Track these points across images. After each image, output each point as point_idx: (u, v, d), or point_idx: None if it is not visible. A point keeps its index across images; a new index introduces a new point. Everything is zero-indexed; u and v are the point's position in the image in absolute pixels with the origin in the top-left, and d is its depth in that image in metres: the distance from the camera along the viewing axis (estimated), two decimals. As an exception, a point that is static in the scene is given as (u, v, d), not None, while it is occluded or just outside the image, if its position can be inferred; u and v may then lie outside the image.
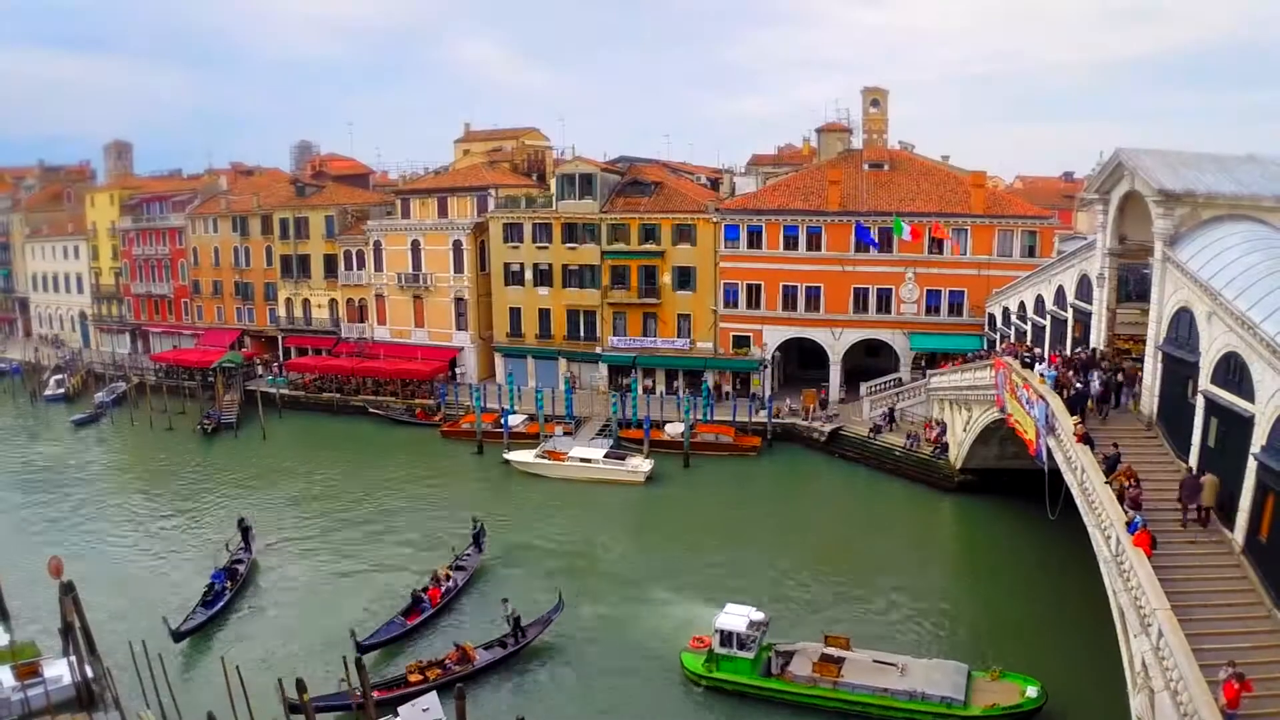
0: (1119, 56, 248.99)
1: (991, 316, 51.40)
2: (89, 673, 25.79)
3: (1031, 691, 24.81)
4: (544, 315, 62.22)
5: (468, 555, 35.91)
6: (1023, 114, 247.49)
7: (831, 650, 26.63)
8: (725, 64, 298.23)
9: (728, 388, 58.10)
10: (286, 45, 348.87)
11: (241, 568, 35.22)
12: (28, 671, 25.72)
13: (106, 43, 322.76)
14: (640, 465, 47.14)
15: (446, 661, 27.38)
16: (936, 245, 53.52)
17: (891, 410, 50.81)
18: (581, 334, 61.46)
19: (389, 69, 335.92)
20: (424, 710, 23.00)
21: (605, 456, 47.60)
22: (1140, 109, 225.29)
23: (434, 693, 23.93)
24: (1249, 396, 21.82)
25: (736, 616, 27.17)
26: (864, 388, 53.56)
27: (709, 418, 53.12)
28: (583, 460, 47.41)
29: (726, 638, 26.52)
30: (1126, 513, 22.09)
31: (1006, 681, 25.58)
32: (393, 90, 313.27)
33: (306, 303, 71.53)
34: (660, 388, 59.37)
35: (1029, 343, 41.25)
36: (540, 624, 29.83)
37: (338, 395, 64.52)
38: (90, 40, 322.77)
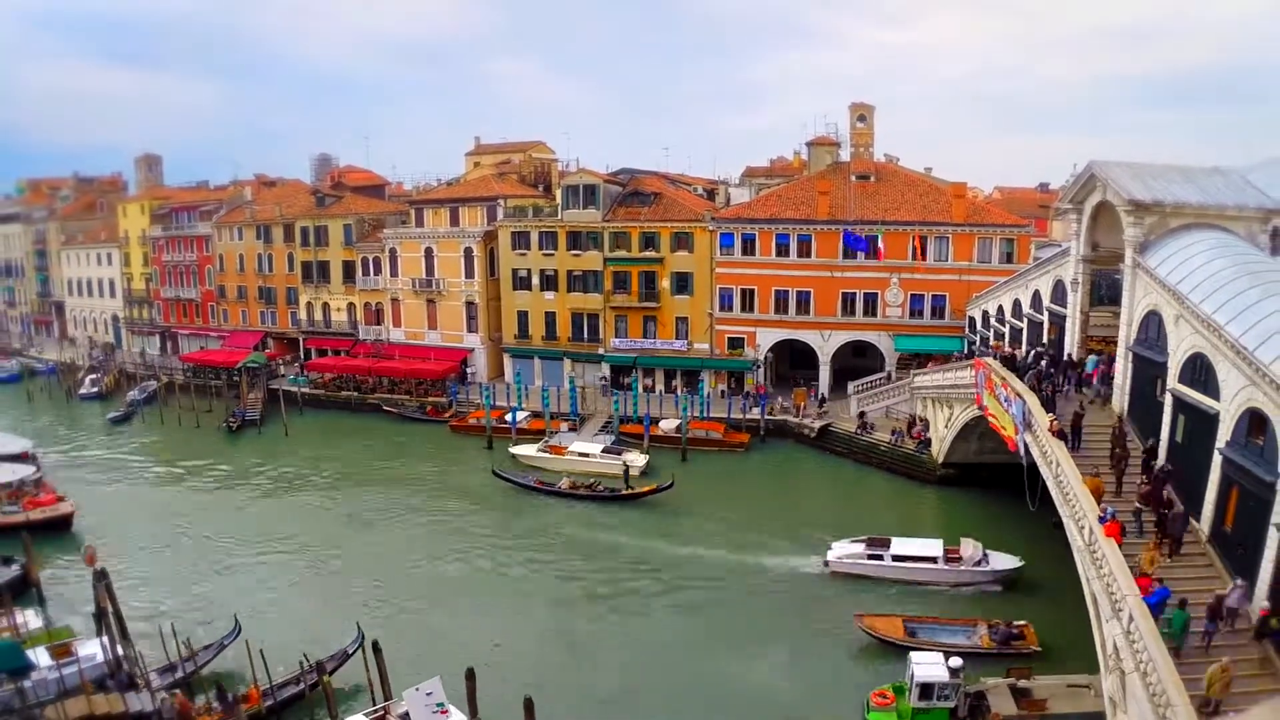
0: (1115, 74, 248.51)
1: (972, 319, 51.35)
2: (121, 654, 25.84)
3: None
4: (550, 318, 62.19)
5: None
6: (1009, 127, 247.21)
7: (1024, 684, 23.82)
8: (739, 81, 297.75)
9: (723, 386, 58.09)
10: (324, 60, 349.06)
11: None
12: (62, 652, 25.82)
13: (150, 57, 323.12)
14: (636, 460, 47.01)
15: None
16: (920, 251, 53.51)
17: (887, 409, 51.06)
18: (585, 336, 61.40)
19: (415, 83, 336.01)
20: (428, 694, 22.61)
21: (604, 451, 47.55)
22: (1126, 124, 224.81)
23: (438, 678, 23.15)
24: (1214, 395, 21.82)
25: (934, 666, 23.55)
26: (851, 386, 53.53)
27: (705, 415, 53.12)
28: (582, 454, 47.35)
29: (927, 690, 23.06)
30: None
31: None
32: (413, 104, 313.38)
33: (326, 306, 71.52)
34: (660, 386, 59.43)
35: (1007, 344, 41.25)
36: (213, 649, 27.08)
37: (355, 393, 64.50)
38: (134, 54, 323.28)
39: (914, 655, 24.41)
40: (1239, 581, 19.09)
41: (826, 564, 33.31)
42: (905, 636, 27.75)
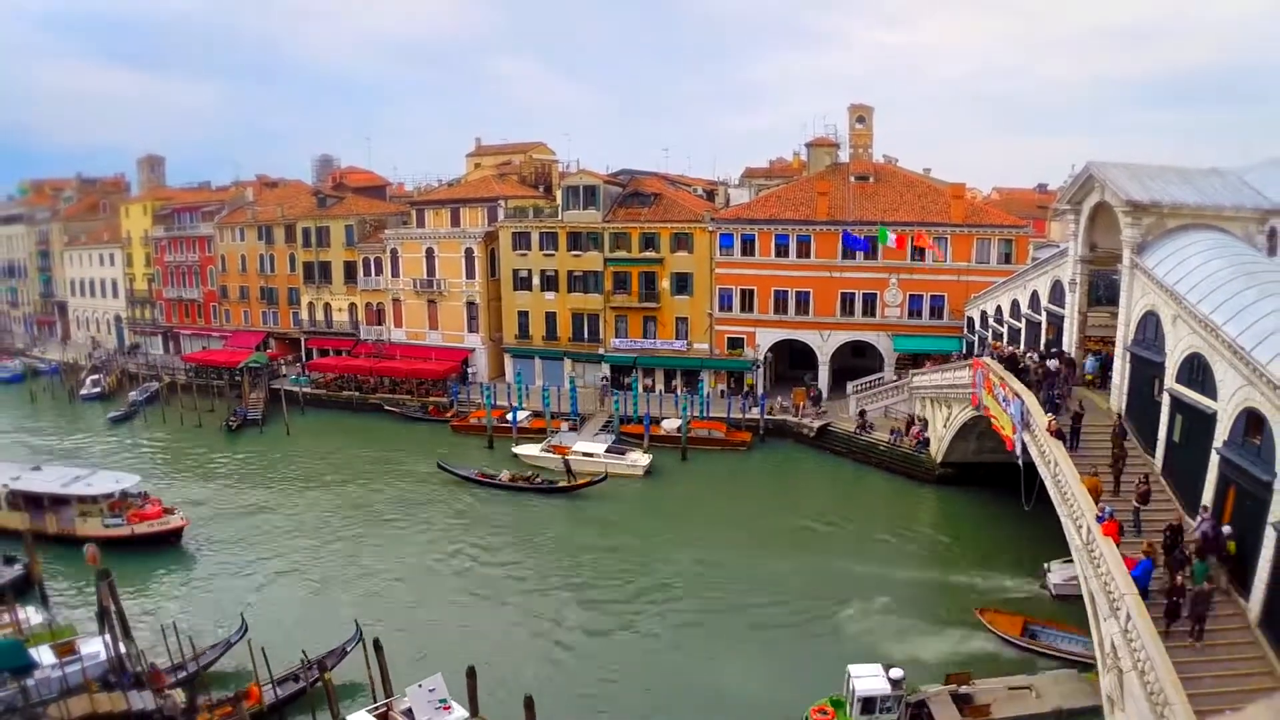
0: (1114, 74, 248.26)
1: (970, 320, 51.37)
2: (124, 652, 25.84)
3: None
4: (550, 318, 62.21)
5: None
6: (1008, 127, 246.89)
7: (964, 690, 23.51)
8: (739, 82, 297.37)
9: (722, 386, 58.12)
10: (326, 61, 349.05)
11: None
12: (65, 650, 25.83)
13: (152, 58, 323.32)
14: (639, 460, 47.09)
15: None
16: (919, 252, 53.49)
17: (886, 408, 51.15)
18: (585, 336, 61.43)
19: (415, 84, 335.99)
20: (430, 690, 22.69)
21: (607, 451, 47.58)
22: (1125, 125, 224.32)
23: (439, 674, 23.23)
24: (1211, 394, 21.83)
25: (874, 678, 22.96)
26: (850, 386, 53.55)
27: (705, 414, 53.14)
28: (586, 454, 47.37)
29: (869, 704, 22.51)
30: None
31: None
32: (413, 105, 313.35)
33: (327, 307, 71.54)
34: (660, 386, 59.47)
35: (1005, 344, 41.20)
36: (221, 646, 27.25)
37: (357, 393, 64.51)
38: (136, 55, 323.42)
39: (853, 668, 23.43)
40: (1204, 513, 20.00)
41: (1045, 586, 31.67)
42: (1022, 636, 27.46)
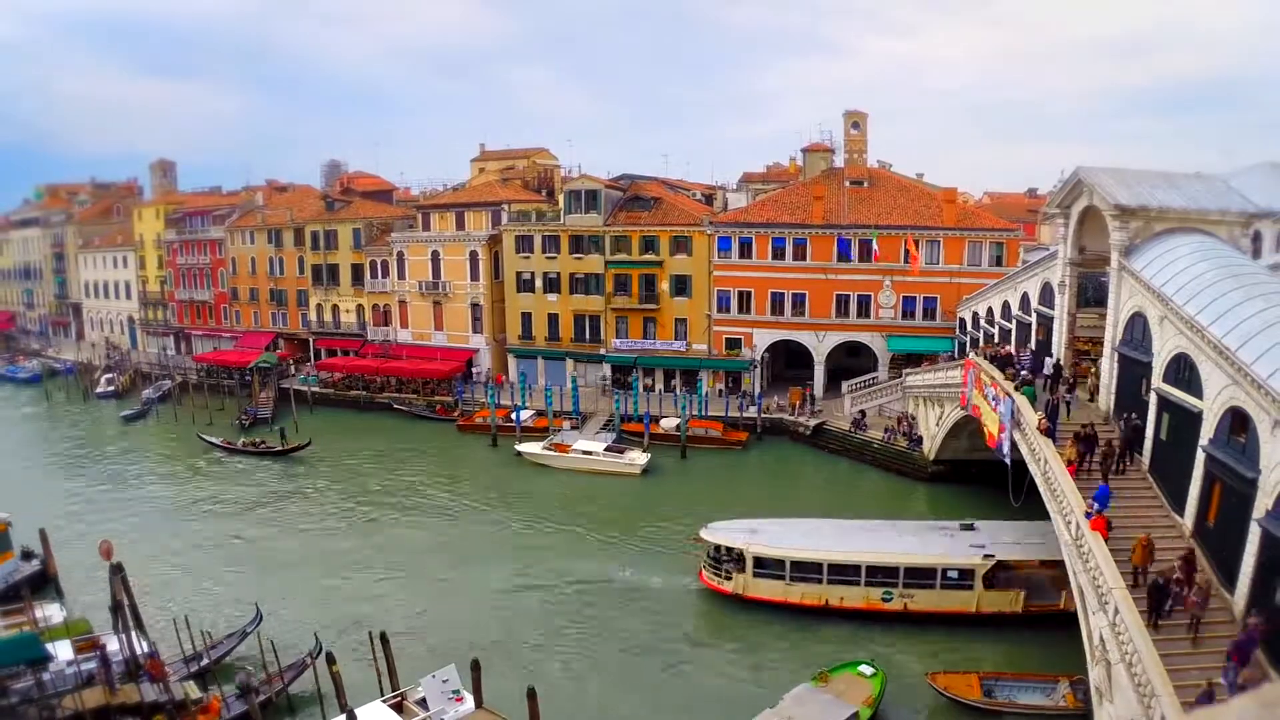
0: (1110, 83, 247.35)
1: (962, 321, 51.40)
2: (137, 647, 25.87)
3: (867, 670, 24.16)
4: (552, 320, 62.22)
5: None
6: (1004, 134, 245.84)
7: None
8: (742, 89, 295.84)
9: (720, 385, 58.14)
10: (331, 66, 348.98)
11: None
12: (85, 645, 25.84)
13: (167, 66, 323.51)
14: (637, 458, 47.03)
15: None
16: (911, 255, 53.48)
17: (880, 406, 51.11)
18: (587, 337, 61.44)
19: (421, 90, 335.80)
20: (444, 681, 22.71)
21: (606, 449, 47.57)
22: (1119, 132, 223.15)
23: (453, 665, 23.16)
24: (1197, 394, 21.86)
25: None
26: (845, 386, 53.57)
27: (704, 413, 53.16)
28: (585, 453, 47.37)
29: None
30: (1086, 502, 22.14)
31: (841, 675, 24.16)
32: (418, 110, 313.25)
33: (335, 308, 71.56)
34: (659, 386, 59.50)
35: (997, 344, 41.24)
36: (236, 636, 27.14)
37: (364, 393, 64.52)
38: (150, 63, 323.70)
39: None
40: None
41: None
42: (982, 697, 24.23)
